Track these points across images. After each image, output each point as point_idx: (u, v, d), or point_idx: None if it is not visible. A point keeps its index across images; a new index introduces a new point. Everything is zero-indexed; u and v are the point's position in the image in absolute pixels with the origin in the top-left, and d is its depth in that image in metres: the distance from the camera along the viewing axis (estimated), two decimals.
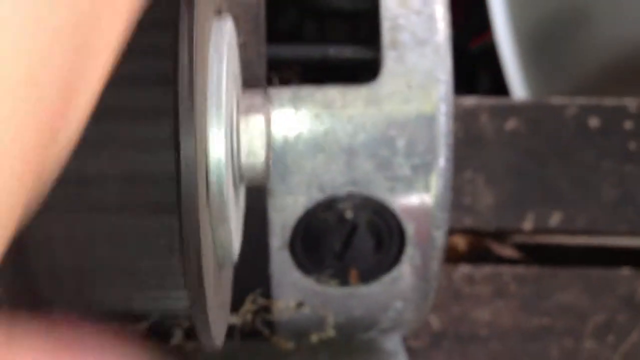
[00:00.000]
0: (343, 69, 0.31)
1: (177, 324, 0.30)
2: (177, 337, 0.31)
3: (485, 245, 0.50)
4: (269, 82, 0.29)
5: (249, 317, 0.29)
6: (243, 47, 0.27)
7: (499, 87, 0.60)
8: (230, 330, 0.30)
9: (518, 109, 0.51)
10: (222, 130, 0.17)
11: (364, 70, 0.30)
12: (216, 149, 0.17)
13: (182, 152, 0.16)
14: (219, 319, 0.19)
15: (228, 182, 0.18)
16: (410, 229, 0.28)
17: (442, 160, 0.27)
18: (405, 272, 0.29)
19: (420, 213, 0.28)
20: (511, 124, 0.51)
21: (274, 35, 0.31)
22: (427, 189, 0.27)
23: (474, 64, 0.67)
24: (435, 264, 0.29)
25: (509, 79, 0.60)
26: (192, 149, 0.16)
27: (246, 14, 0.27)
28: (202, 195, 0.17)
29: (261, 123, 0.19)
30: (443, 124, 0.27)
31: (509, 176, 0.49)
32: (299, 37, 0.33)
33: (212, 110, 0.17)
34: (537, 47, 0.61)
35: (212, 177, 0.17)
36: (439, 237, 0.28)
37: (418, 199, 0.28)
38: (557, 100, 0.51)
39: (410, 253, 0.28)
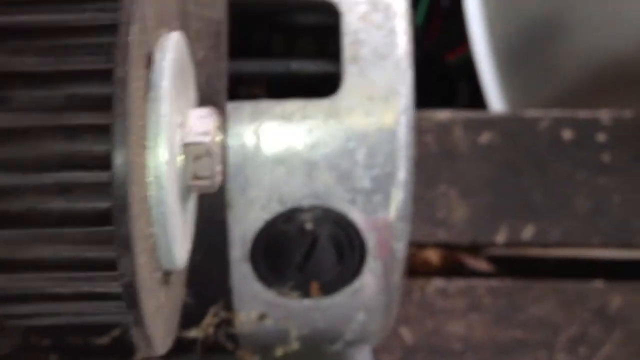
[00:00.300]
0: (309, 85, 0.31)
1: None
2: (140, 352, 0.30)
3: (459, 259, 0.50)
4: (234, 97, 0.29)
5: (210, 330, 0.29)
6: (203, 62, 0.27)
7: (479, 99, 0.60)
8: (192, 344, 0.30)
9: (492, 122, 0.51)
10: (163, 145, 0.17)
11: (329, 84, 0.31)
12: (156, 164, 0.17)
13: (114, 168, 0.16)
14: (161, 326, 0.19)
15: (172, 194, 0.18)
16: (371, 240, 0.28)
17: (402, 172, 0.27)
18: (366, 283, 0.29)
19: (380, 224, 0.28)
20: (485, 137, 0.51)
21: (243, 51, 0.31)
22: (387, 200, 0.28)
23: (453, 76, 0.67)
24: (397, 275, 0.29)
25: (486, 91, 0.60)
26: (124, 163, 0.16)
27: (208, 29, 0.28)
28: (143, 205, 0.17)
29: (209, 140, 0.19)
30: (403, 136, 0.28)
31: (483, 189, 0.50)
32: (268, 54, 0.33)
33: (152, 127, 0.17)
34: (514, 59, 0.61)
35: (153, 192, 0.17)
36: (400, 249, 0.28)
37: (378, 211, 0.28)
38: (531, 113, 0.52)
39: (372, 265, 0.28)
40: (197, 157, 0.19)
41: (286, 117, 0.28)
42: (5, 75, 0.16)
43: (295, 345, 0.31)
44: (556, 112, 0.51)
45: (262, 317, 0.29)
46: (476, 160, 0.50)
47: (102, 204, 0.16)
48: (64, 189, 0.16)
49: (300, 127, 0.28)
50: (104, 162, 0.16)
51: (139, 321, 0.17)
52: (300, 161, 0.27)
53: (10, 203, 0.16)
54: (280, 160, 0.28)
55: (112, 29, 0.16)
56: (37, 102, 0.16)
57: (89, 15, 0.17)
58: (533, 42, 0.62)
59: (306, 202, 0.28)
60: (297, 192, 0.27)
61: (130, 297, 0.17)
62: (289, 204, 0.28)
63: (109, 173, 0.16)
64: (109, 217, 0.16)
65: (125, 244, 0.16)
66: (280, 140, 0.28)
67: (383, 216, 0.28)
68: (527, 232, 0.49)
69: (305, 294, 0.29)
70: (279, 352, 0.31)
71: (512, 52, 0.60)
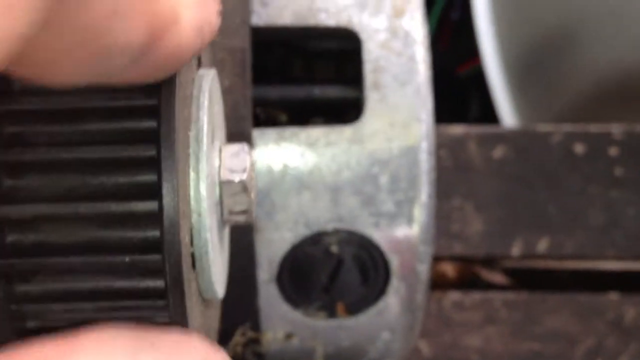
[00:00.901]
0: (329, 106, 0.32)
1: None
2: None
3: (475, 272, 0.51)
4: (256, 122, 0.30)
5: (238, 349, 0.30)
6: (228, 90, 0.28)
7: (490, 111, 0.60)
8: None
9: (505, 137, 0.52)
10: (204, 182, 0.18)
11: (349, 106, 0.32)
12: (198, 200, 0.18)
13: (164, 205, 0.17)
14: None
15: (212, 229, 0.19)
16: (394, 262, 0.29)
17: (424, 196, 0.28)
18: (391, 304, 0.30)
19: (404, 247, 0.29)
20: (499, 151, 0.52)
21: (261, 73, 0.32)
22: (410, 224, 0.28)
23: (464, 88, 0.68)
24: (421, 296, 0.30)
25: (497, 105, 0.61)
26: (174, 203, 0.17)
27: (232, 58, 0.29)
28: (185, 242, 0.18)
29: (242, 173, 0.20)
30: (425, 161, 0.28)
31: (497, 203, 0.50)
32: (286, 75, 0.34)
33: (193, 164, 0.18)
34: (525, 72, 0.62)
35: (195, 227, 0.18)
36: (423, 270, 0.29)
37: (402, 234, 0.29)
38: (543, 127, 0.52)
39: (396, 286, 0.29)
40: (234, 194, 0.20)
41: (311, 144, 0.29)
42: (54, 111, 0.17)
43: None
44: (568, 127, 0.52)
45: (288, 336, 0.30)
46: (490, 174, 0.51)
47: (147, 233, 0.17)
48: (111, 218, 0.17)
49: (324, 153, 0.29)
50: (149, 192, 0.17)
51: None
52: (325, 186, 0.28)
53: (58, 233, 0.17)
54: (305, 186, 0.28)
55: None
56: (85, 136, 0.17)
57: None
58: (544, 56, 0.63)
59: (331, 226, 0.28)
60: (322, 216, 0.28)
61: (180, 320, 0.17)
62: (315, 228, 0.28)
63: (154, 203, 0.17)
64: (153, 246, 0.17)
65: (176, 274, 0.17)
66: (306, 166, 0.29)
67: (406, 239, 0.28)
68: (542, 245, 0.49)
69: (331, 314, 0.30)
70: None
71: (523, 65, 0.61)
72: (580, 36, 0.63)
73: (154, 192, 0.17)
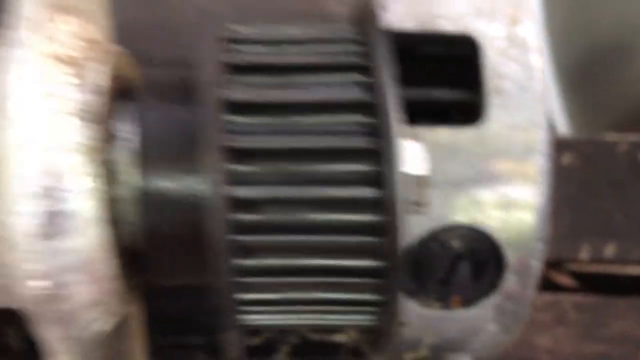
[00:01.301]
0: (431, 109, 0.34)
1: (285, 341, 0.33)
2: (282, 353, 0.33)
3: (544, 274, 0.52)
4: None
5: (354, 335, 0.32)
6: None
7: None
8: (337, 348, 0.32)
9: (572, 145, 0.54)
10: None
11: (455, 109, 0.33)
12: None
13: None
14: None
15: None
16: (510, 257, 0.30)
17: (541, 196, 0.30)
18: (502, 298, 0.31)
19: (520, 244, 0.30)
20: (566, 158, 0.53)
21: None
22: (527, 222, 0.30)
23: None
24: (530, 291, 0.31)
25: (550, 111, 0.62)
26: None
27: None
28: None
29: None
30: (541, 164, 0.30)
31: (565, 208, 0.52)
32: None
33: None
34: (578, 80, 0.63)
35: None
36: (536, 266, 0.31)
37: (518, 231, 0.30)
38: (609, 136, 0.54)
39: (509, 280, 0.31)
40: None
41: (435, 142, 0.30)
42: (273, 104, 0.19)
43: (424, 352, 0.33)
44: (634, 137, 0.53)
45: (401, 324, 0.32)
46: (558, 180, 0.52)
47: (364, 217, 0.19)
48: (329, 203, 0.19)
49: (448, 152, 0.30)
50: (367, 180, 0.19)
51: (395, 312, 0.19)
52: (447, 183, 0.30)
53: (278, 214, 0.19)
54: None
55: (366, 69, 0.19)
56: (302, 126, 0.19)
57: (342, 55, 0.19)
58: (597, 64, 0.64)
59: (451, 221, 0.30)
60: (443, 212, 0.30)
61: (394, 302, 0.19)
62: (436, 222, 0.30)
63: (371, 189, 0.19)
64: (369, 230, 0.19)
65: (397, 257, 0.19)
66: (430, 163, 0.30)
67: (522, 236, 0.30)
68: (609, 250, 0.51)
69: (446, 305, 0.31)
70: (409, 357, 0.33)
71: (575, 73, 0.62)
72: (635, 45, 0.64)
73: (371, 180, 0.19)
